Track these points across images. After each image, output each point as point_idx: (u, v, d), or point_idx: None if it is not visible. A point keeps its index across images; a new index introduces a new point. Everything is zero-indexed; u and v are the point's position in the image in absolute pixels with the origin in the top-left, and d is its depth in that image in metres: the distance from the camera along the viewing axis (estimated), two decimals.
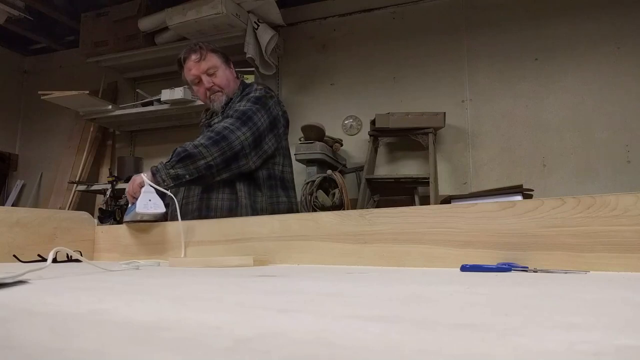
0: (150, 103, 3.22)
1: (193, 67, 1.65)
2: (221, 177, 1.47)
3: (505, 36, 2.87)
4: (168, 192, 1.34)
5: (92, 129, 3.56)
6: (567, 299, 0.45)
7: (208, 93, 1.67)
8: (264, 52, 2.98)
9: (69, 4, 3.36)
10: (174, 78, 3.48)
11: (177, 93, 2.95)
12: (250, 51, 2.90)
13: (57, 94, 3.09)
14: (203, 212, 1.54)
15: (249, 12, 2.96)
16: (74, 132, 3.66)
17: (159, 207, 1.30)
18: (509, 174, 2.75)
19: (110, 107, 3.27)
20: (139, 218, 1.30)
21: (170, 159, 1.40)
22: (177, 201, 1.34)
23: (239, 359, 0.23)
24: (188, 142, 1.44)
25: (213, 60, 1.66)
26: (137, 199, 1.31)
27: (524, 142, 2.76)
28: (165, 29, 3.10)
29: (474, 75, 2.92)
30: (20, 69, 4.19)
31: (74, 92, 3.04)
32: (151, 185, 1.33)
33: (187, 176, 1.40)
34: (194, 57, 1.64)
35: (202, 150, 1.40)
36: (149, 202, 1.29)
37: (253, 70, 2.99)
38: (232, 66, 1.74)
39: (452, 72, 2.96)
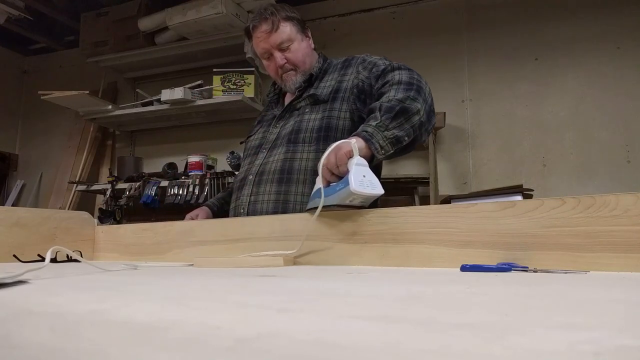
0: (150, 103, 3.22)
1: (263, 39, 1.40)
2: (413, 147, 1.19)
3: (505, 36, 2.87)
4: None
5: (92, 129, 3.57)
6: (567, 299, 0.45)
7: (280, 71, 1.43)
8: None
9: (69, 4, 3.36)
10: (174, 78, 3.48)
11: (177, 93, 2.95)
12: (250, 51, 2.89)
13: (57, 94, 3.09)
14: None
15: (249, 12, 2.96)
16: (74, 132, 3.66)
17: (377, 187, 0.97)
18: (509, 174, 2.74)
19: (110, 107, 3.27)
20: (348, 201, 0.97)
21: (380, 117, 1.08)
22: (240, 196, 1.15)
23: (239, 359, 0.23)
24: (380, 100, 1.15)
25: (287, 31, 1.41)
26: (338, 176, 1.00)
27: (524, 142, 2.76)
28: (165, 29, 3.10)
29: (474, 75, 2.92)
30: (20, 69, 4.19)
31: (74, 92, 3.04)
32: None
33: (406, 138, 1.10)
34: (264, 27, 1.39)
35: (416, 104, 1.12)
36: (363, 178, 0.96)
37: (253, 70, 2.99)
38: (309, 35, 1.49)
39: (452, 72, 2.96)
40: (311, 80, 1.45)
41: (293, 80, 1.43)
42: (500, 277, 0.66)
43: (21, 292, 0.51)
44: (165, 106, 3.09)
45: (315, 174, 1.15)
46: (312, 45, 1.49)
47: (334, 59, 1.52)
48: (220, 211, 1.53)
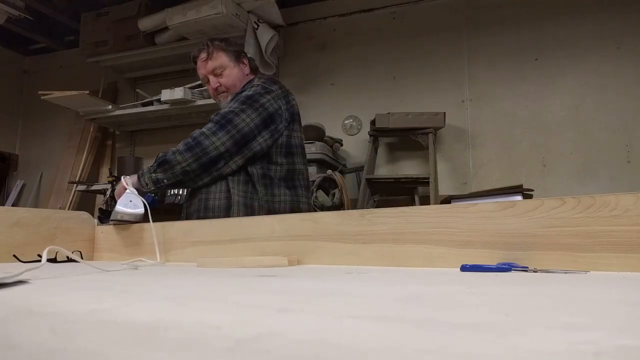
0: (150, 103, 3.22)
1: (201, 66, 1.65)
2: (204, 181, 1.51)
3: (505, 36, 2.87)
4: (142, 198, 1.39)
5: (92, 129, 3.57)
6: (567, 299, 0.45)
7: (215, 92, 1.68)
8: (264, 52, 2.97)
9: (69, 4, 3.36)
10: (174, 78, 3.48)
11: (177, 93, 2.95)
12: (250, 51, 2.90)
13: (57, 94, 3.09)
14: (202, 213, 1.55)
15: (249, 12, 2.96)
16: (74, 132, 3.66)
17: (138, 207, 1.35)
18: (509, 174, 2.75)
19: (110, 107, 3.27)
20: (118, 217, 1.34)
21: (153, 163, 1.48)
22: (184, 204, 1.41)
23: (239, 359, 0.23)
24: (172, 148, 1.50)
25: (220, 59, 1.64)
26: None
27: (524, 142, 2.76)
28: (165, 29, 3.10)
29: (474, 75, 2.92)
30: (20, 69, 4.19)
31: (74, 92, 3.04)
32: (131, 188, 1.42)
33: (166, 180, 1.46)
34: (202, 55, 1.64)
35: (177, 157, 1.45)
36: (129, 202, 1.35)
37: None
38: (245, 62, 1.71)
39: (452, 72, 2.96)
40: None
41: (225, 101, 1.66)
42: (500, 277, 0.66)
43: (21, 292, 0.51)
44: (165, 106, 3.09)
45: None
46: (247, 71, 1.70)
47: (255, 79, 1.70)
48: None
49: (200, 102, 3.02)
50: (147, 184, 1.46)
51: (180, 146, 1.48)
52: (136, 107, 3.29)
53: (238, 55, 1.69)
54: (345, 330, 0.29)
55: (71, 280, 0.67)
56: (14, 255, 1.12)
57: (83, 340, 0.27)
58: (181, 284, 0.63)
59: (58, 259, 1.09)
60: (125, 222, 1.34)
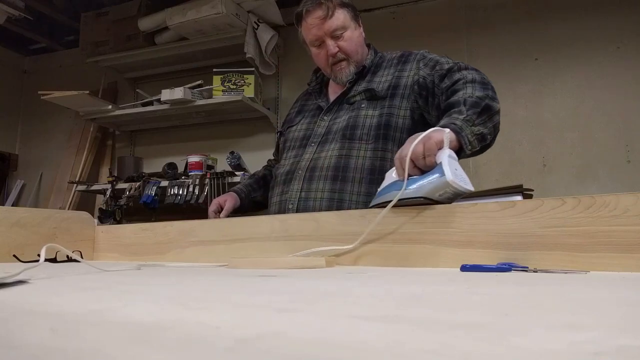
0: (150, 103, 3.22)
1: (316, 25, 1.33)
2: (487, 149, 1.15)
3: (505, 36, 2.87)
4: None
5: (92, 129, 3.56)
6: (567, 299, 0.45)
7: (331, 60, 1.36)
8: (264, 52, 2.98)
9: (69, 4, 3.36)
10: (174, 78, 3.48)
11: (177, 93, 2.95)
12: (250, 51, 2.90)
13: (57, 94, 3.09)
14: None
15: (249, 12, 2.96)
16: (74, 132, 3.66)
17: (468, 183, 0.91)
18: (509, 174, 2.74)
19: (110, 107, 3.27)
20: (437, 195, 0.88)
21: (467, 112, 1.03)
22: (289, 191, 1.16)
23: (239, 359, 0.23)
24: (457, 94, 1.10)
25: (342, 18, 1.33)
26: (421, 169, 0.92)
27: (524, 142, 2.76)
28: (165, 28, 3.10)
29: None
30: (20, 69, 4.19)
31: (74, 92, 3.04)
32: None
33: (489, 136, 1.07)
34: (319, 12, 1.32)
35: (496, 104, 1.09)
36: (455, 171, 0.90)
37: (253, 70, 2.99)
38: (361, 24, 1.42)
39: None
40: (363, 73, 1.38)
41: (346, 72, 1.36)
42: (500, 277, 0.66)
43: (21, 292, 0.51)
44: (165, 106, 3.09)
45: (373, 173, 1.20)
46: (363, 35, 1.42)
47: (386, 53, 1.46)
48: (248, 197, 1.52)
49: (200, 102, 3.02)
50: (469, 143, 0.99)
51: (480, 91, 1.09)
52: (136, 107, 3.29)
53: (357, 14, 1.40)
54: (345, 330, 0.29)
55: (71, 280, 0.67)
56: (14, 255, 1.12)
57: (83, 340, 0.27)
58: (182, 284, 0.63)
59: (58, 259, 1.10)
60: (429, 203, 0.89)
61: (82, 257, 1.13)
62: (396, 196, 0.88)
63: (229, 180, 2.80)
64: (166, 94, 2.98)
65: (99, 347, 0.26)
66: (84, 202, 3.39)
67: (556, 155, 2.69)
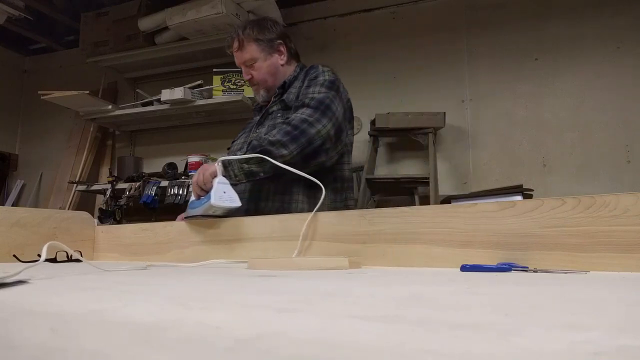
0: (150, 103, 3.22)
1: (235, 55, 1.57)
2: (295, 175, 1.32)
3: (505, 36, 2.87)
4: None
5: (92, 129, 3.57)
6: (567, 299, 0.45)
7: (248, 83, 1.60)
8: None
9: (69, 4, 3.36)
10: (174, 78, 3.48)
11: (177, 93, 2.95)
12: None
13: (57, 94, 3.09)
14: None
15: (249, 12, 2.97)
16: (74, 132, 3.66)
17: (235, 201, 1.18)
18: (509, 174, 2.74)
19: (110, 107, 3.27)
20: (211, 212, 1.18)
21: (245, 153, 1.28)
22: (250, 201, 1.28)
23: (239, 359, 0.23)
24: (263, 135, 1.31)
25: (251, 51, 1.53)
26: (206, 191, 1.21)
27: (524, 142, 2.76)
28: (165, 28, 3.10)
29: (474, 75, 2.92)
30: (20, 69, 4.19)
31: (74, 92, 3.04)
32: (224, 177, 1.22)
33: (262, 174, 1.30)
34: (234, 44, 1.55)
35: (281, 150, 1.28)
36: (223, 194, 1.17)
37: None
38: (282, 49, 1.56)
39: (452, 72, 2.96)
40: (284, 87, 1.55)
41: (260, 94, 1.58)
42: (500, 277, 0.66)
43: (21, 292, 0.51)
44: (165, 106, 3.09)
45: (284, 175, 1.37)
46: (282, 61, 1.57)
47: (311, 66, 1.58)
48: None
49: (200, 102, 3.02)
50: (236, 176, 1.28)
51: (280, 136, 1.28)
52: (136, 107, 3.29)
53: (272, 44, 1.55)
54: (345, 330, 0.29)
55: (71, 280, 0.67)
56: (14, 255, 1.12)
57: (83, 340, 0.27)
58: (182, 284, 0.63)
59: (58, 259, 1.09)
60: (213, 217, 1.20)
61: (82, 257, 1.13)
62: (190, 212, 1.25)
63: None
64: (166, 94, 2.98)
65: (99, 347, 0.26)
66: (84, 202, 3.39)
67: (556, 155, 2.69)
